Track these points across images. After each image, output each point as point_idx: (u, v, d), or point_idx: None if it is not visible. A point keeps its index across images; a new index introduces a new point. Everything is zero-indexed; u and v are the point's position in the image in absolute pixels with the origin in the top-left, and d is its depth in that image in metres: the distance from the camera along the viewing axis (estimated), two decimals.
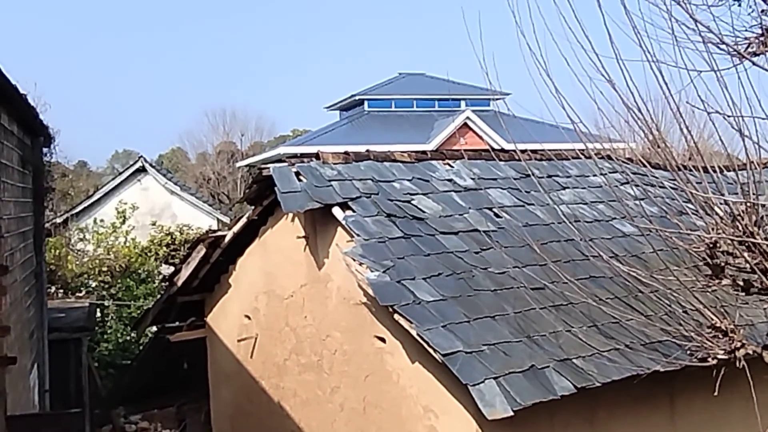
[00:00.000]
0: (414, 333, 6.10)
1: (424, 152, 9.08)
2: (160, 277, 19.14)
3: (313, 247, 7.81)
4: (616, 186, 7.67)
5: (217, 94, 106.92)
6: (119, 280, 19.39)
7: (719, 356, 5.89)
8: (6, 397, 7.36)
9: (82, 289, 18.87)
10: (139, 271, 19.99)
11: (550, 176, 9.10)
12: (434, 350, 5.93)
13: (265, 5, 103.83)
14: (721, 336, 5.91)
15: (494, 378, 5.77)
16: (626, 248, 7.89)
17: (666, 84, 5.41)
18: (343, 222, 7.23)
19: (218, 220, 27.10)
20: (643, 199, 6.95)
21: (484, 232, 7.64)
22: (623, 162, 6.73)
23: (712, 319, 5.96)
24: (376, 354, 7.06)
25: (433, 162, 8.74)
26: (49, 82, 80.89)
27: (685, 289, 6.28)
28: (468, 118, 32.37)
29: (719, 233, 5.68)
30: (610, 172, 8.28)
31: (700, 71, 5.28)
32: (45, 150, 12.06)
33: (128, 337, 18.10)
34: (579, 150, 6.66)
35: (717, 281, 5.99)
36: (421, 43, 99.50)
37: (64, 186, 25.87)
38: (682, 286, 6.31)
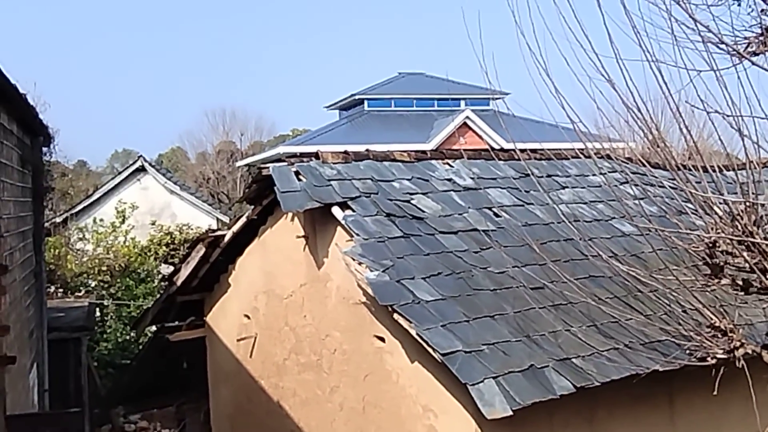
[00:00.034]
0: (413, 332, 6.10)
1: (423, 152, 9.08)
2: (160, 276, 19.15)
3: (313, 246, 7.81)
4: (616, 185, 7.66)
5: (217, 94, 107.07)
6: (119, 280, 19.40)
7: (718, 356, 5.89)
8: (5, 396, 7.37)
9: (81, 288, 18.87)
10: (139, 271, 20.00)
11: (549, 176, 9.10)
12: (433, 350, 5.93)
13: (265, 5, 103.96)
14: (720, 335, 5.91)
15: (493, 377, 5.77)
16: (625, 248, 7.90)
17: (665, 84, 5.41)
18: (343, 221, 7.23)
19: (218, 219, 27.10)
20: (642, 199, 6.95)
21: (484, 231, 7.64)
22: (623, 161, 6.73)
23: (712, 319, 5.96)
24: (375, 353, 7.07)
25: (433, 161, 8.74)
26: (49, 81, 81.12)
27: (685, 289, 6.28)
28: (467, 117, 32.38)
29: (718, 233, 5.69)
30: (609, 172, 8.28)
31: (700, 71, 5.29)
32: (44, 149, 12.07)
33: (128, 337, 18.11)
34: (578, 149, 6.66)
35: (716, 281, 5.99)
36: (421, 43, 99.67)
37: (63, 185, 25.90)
38: (681, 285, 6.31)
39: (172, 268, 10.11)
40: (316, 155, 8.06)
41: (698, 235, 5.90)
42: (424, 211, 7.70)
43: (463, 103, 34.83)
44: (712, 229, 5.75)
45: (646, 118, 5.72)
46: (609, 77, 5.52)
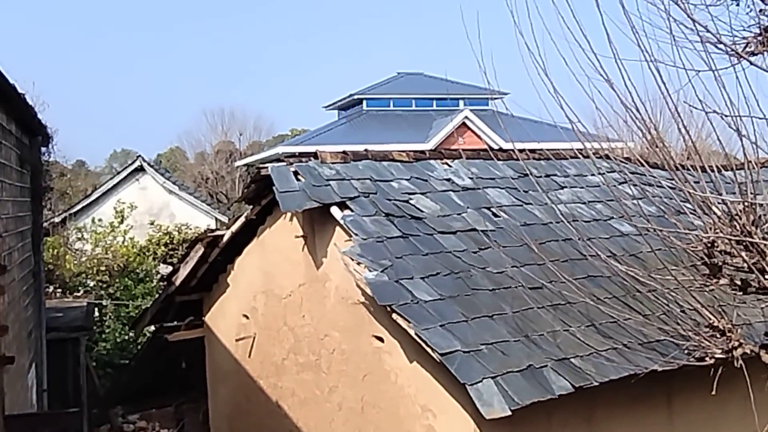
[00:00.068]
0: (412, 332, 6.11)
1: (422, 152, 9.08)
2: (159, 276, 19.13)
3: (312, 246, 7.81)
4: (614, 185, 7.68)
5: (217, 94, 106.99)
6: (117, 280, 19.39)
7: (717, 355, 5.90)
8: (4, 396, 7.36)
9: (80, 288, 18.87)
10: (138, 271, 19.99)
11: (548, 176, 9.10)
12: (432, 350, 5.94)
13: (265, 5, 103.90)
14: (718, 335, 5.92)
15: (492, 377, 5.78)
16: (624, 248, 7.91)
17: (664, 83, 5.42)
18: (342, 221, 7.23)
19: (216, 219, 27.08)
20: (641, 199, 6.95)
21: (483, 231, 7.65)
22: (621, 161, 6.74)
23: (710, 319, 5.96)
24: (374, 353, 7.07)
25: (432, 161, 8.74)
26: (48, 81, 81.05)
27: (683, 289, 6.29)
28: (466, 117, 32.38)
29: (717, 233, 5.69)
30: (608, 172, 8.29)
31: (698, 71, 5.29)
32: (43, 149, 12.06)
33: (126, 337, 18.10)
34: (577, 149, 6.67)
35: (715, 281, 6.00)
36: (420, 43, 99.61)
37: (62, 185, 25.88)
38: (679, 285, 6.31)
39: (170, 268, 10.10)
40: (315, 155, 8.06)
41: (697, 235, 5.90)
42: (422, 211, 7.70)
43: (461, 103, 34.83)
44: (710, 229, 5.75)
45: (645, 118, 5.73)
46: (607, 77, 5.52)
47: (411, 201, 7.83)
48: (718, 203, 5.73)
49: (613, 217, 8.54)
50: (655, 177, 6.47)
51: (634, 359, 6.36)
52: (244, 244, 9.00)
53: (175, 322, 10.25)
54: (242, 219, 8.71)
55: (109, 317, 18.59)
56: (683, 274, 6.43)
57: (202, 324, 10.03)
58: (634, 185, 6.84)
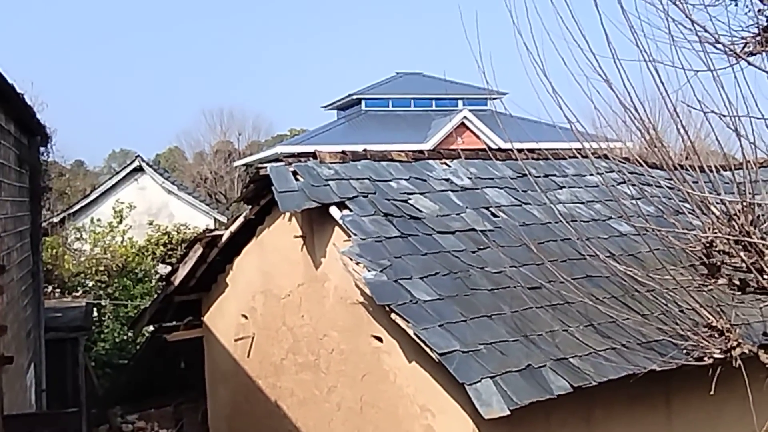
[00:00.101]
0: (411, 332, 6.11)
1: (421, 152, 9.09)
2: (157, 276, 19.13)
3: (310, 246, 7.81)
4: (613, 185, 7.69)
5: (216, 94, 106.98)
6: (116, 280, 19.39)
7: (715, 355, 5.90)
8: (3, 396, 7.36)
9: (78, 288, 18.86)
10: (136, 271, 19.99)
11: (547, 176, 9.11)
12: (431, 349, 5.94)
13: (265, 5, 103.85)
14: (717, 335, 5.93)
15: (491, 377, 5.78)
16: (623, 247, 7.91)
17: (663, 84, 5.43)
18: (341, 221, 7.23)
19: (215, 219, 27.08)
20: (639, 199, 6.96)
21: (481, 231, 7.65)
22: (620, 161, 6.75)
23: (709, 319, 5.97)
24: (373, 353, 7.07)
25: (431, 161, 8.75)
26: (47, 81, 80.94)
27: (682, 289, 6.30)
28: (465, 117, 32.40)
29: (715, 233, 5.70)
30: (606, 172, 8.30)
31: (697, 71, 5.30)
32: (42, 149, 12.05)
33: (125, 337, 18.10)
34: (576, 149, 6.67)
35: (713, 280, 6.00)
36: (419, 43, 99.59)
37: (61, 185, 25.89)
38: (678, 285, 6.32)
39: (169, 268, 10.10)
40: (314, 155, 8.06)
41: (695, 235, 5.91)
42: (421, 211, 7.70)
43: (460, 103, 34.86)
44: (709, 228, 5.76)
45: (644, 118, 5.74)
46: (606, 77, 5.53)
47: (410, 201, 7.83)
48: (717, 203, 5.74)
49: (611, 217, 8.54)
50: (653, 177, 6.47)
51: (633, 359, 6.36)
52: (242, 244, 9.00)
53: (174, 322, 10.25)
54: (241, 219, 8.71)
55: (107, 317, 18.60)
56: (682, 274, 6.44)
57: (200, 324, 10.03)
58: (633, 185, 6.84)
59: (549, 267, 6.80)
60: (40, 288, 12.07)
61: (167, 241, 22.03)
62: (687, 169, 6.08)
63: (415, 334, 6.06)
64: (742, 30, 5.48)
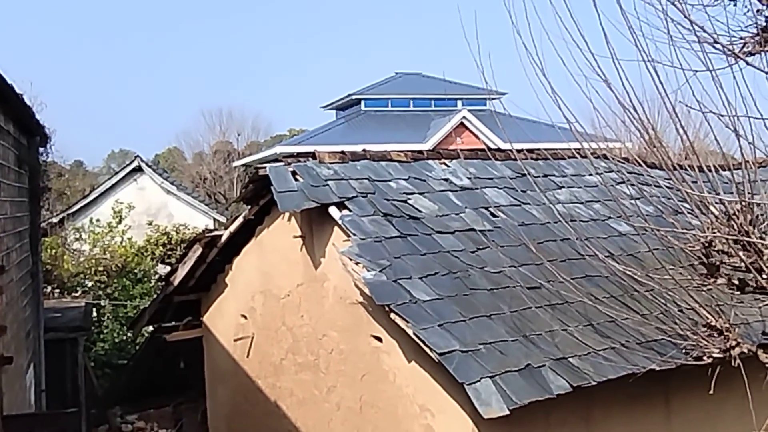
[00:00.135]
0: (410, 332, 6.11)
1: (420, 152, 9.10)
2: (157, 276, 19.13)
3: (310, 246, 7.81)
4: (612, 185, 7.69)
5: (216, 94, 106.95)
6: (115, 280, 19.37)
7: (714, 355, 5.91)
8: (2, 396, 7.36)
9: (78, 288, 18.85)
10: (136, 271, 19.97)
11: (546, 175, 9.11)
12: (430, 349, 5.94)
13: (265, 5, 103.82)
14: (716, 335, 5.93)
15: (490, 377, 5.78)
16: (622, 247, 7.91)
17: (662, 84, 5.43)
18: (340, 221, 7.24)
19: (215, 219, 27.08)
20: (638, 199, 6.97)
21: (481, 231, 7.65)
22: (619, 161, 6.75)
23: (708, 318, 5.98)
24: (372, 353, 7.07)
25: (430, 161, 8.75)
26: (46, 81, 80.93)
27: (681, 288, 6.30)
28: (464, 117, 32.40)
29: (714, 232, 5.70)
30: (606, 172, 8.31)
31: (696, 71, 5.30)
32: (41, 149, 12.05)
33: (124, 337, 18.08)
34: (575, 149, 6.67)
35: (712, 280, 6.01)
36: (418, 43, 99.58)
37: (60, 186, 25.85)
38: (677, 285, 6.33)
39: (168, 269, 10.10)
40: (313, 155, 8.06)
41: (694, 235, 5.91)
42: (420, 211, 7.71)
43: (459, 103, 34.86)
44: (708, 228, 5.76)
45: (643, 118, 5.74)
46: (605, 77, 5.53)
47: (409, 201, 7.84)
48: (716, 203, 5.74)
49: (611, 217, 8.55)
50: (652, 177, 6.48)
51: (632, 359, 6.37)
52: (242, 245, 9.01)
53: (174, 323, 10.25)
54: (240, 219, 8.72)
55: (107, 317, 18.58)
56: (681, 274, 6.45)
57: (200, 324, 10.03)
58: (632, 185, 6.85)
59: (548, 267, 6.80)
60: (40, 288, 12.07)
61: (166, 242, 22.01)
62: (686, 169, 6.09)
63: (414, 333, 6.07)
64: (741, 30, 5.49)
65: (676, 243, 6.21)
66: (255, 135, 56.73)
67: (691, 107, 5.44)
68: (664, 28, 5.27)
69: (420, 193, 8.04)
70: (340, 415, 7.54)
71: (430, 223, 7.56)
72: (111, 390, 14.25)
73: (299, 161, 7.91)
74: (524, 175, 8.20)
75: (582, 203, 8.81)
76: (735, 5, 5.49)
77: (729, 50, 5.24)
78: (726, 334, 5.88)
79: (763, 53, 5.39)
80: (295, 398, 8.25)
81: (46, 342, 12.04)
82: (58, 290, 18.13)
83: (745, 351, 5.81)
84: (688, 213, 6.23)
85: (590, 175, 9.02)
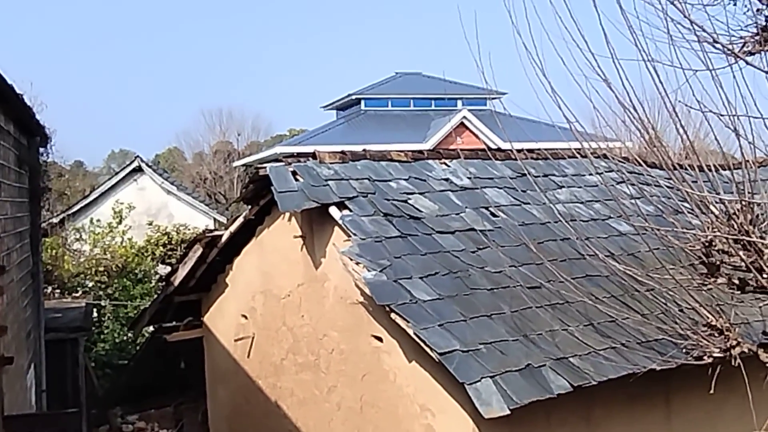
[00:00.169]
0: (411, 332, 6.12)
1: (420, 152, 9.10)
2: (157, 276, 19.14)
3: (310, 246, 7.81)
4: (612, 185, 7.69)
5: (216, 94, 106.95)
6: (116, 280, 19.39)
7: (715, 354, 5.91)
8: (3, 397, 7.36)
9: (78, 289, 18.86)
10: (136, 271, 19.99)
11: (546, 175, 9.12)
12: (431, 349, 5.94)
13: (265, 5, 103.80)
14: (716, 334, 5.93)
15: (491, 377, 5.79)
16: (622, 247, 7.92)
17: (662, 83, 5.44)
18: (340, 221, 7.24)
19: (215, 219, 27.08)
20: (639, 198, 6.97)
21: (481, 231, 7.66)
22: (619, 161, 6.76)
23: (708, 318, 5.98)
24: (373, 353, 7.07)
25: (430, 161, 8.75)
26: (46, 81, 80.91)
27: (681, 288, 6.30)
28: (464, 117, 32.39)
29: (715, 232, 5.70)
30: (606, 171, 8.31)
31: (696, 70, 5.31)
32: (41, 150, 12.06)
33: (125, 337, 18.11)
34: (575, 149, 6.68)
35: (712, 280, 6.01)
36: (418, 43, 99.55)
37: (60, 186, 25.89)
38: (677, 284, 6.33)
39: (169, 269, 10.10)
40: (313, 155, 8.06)
41: (694, 235, 5.92)
42: (421, 211, 7.71)
43: (460, 102, 34.86)
44: (708, 228, 5.77)
45: (643, 118, 5.74)
46: (605, 77, 5.54)
47: (409, 201, 7.84)
48: (716, 202, 5.75)
49: (611, 217, 8.55)
50: (653, 176, 6.48)
51: (633, 358, 6.37)
52: (242, 245, 9.01)
53: (174, 323, 10.25)
54: (241, 219, 8.72)
55: (107, 318, 18.61)
56: (681, 274, 6.45)
57: (200, 324, 10.04)
58: (632, 185, 6.85)
59: (548, 266, 6.81)
60: (40, 289, 12.08)
61: (167, 242, 22.03)
62: (686, 169, 6.10)
63: (414, 333, 6.07)
64: (741, 29, 5.49)
65: (676, 242, 6.21)
66: (255, 135, 56.76)
67: (691, 107, 5.45)
68: (664, 28, 5.28)
69: (420, 193, 8.04)
70: (341, 415, 7.54)
71: (431, 223, 7.56)
72: (111, 390, 14.26)
73: (299, 161, 7.91)
74: (524, 174, 8.20)
75: (582, 203, 8.81)
76: (735, 5, 5.50)
77: (729, 50, 5.24)
78: (726, 333, 5.88)
79: (763, 53, 5.39)
80: (295, 398, 8.25)
81: (46, 342, 12.06)
82: (58, 290, 18.15)
83: (746, 350, 5.81)
84: (689, 212, 6.23)
85: (590, 174, 9.02)
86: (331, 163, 7.98)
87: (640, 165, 6.32)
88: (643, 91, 5.67)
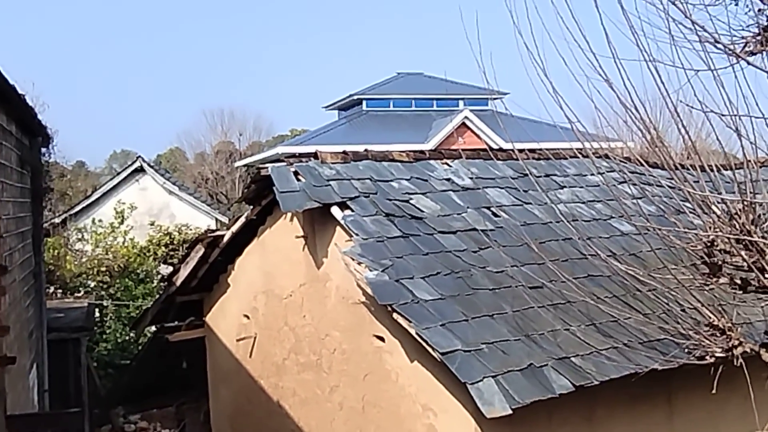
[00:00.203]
0: (413, 332, 6.12)
1: (422, 152, 9.10)
2: (159, 277, 19.14)
3: (312, 246, 7.82)
4: (614, 185, 7.69)
5: (217, 94, 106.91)
6: (118, 280, 19.39)
7: (717, 354, 5.91)
8: (5, 396, 7.37)
9: (80, 289, 18.87)
10: (138, 271, 20.00)
11: (547, 175, 9.12)
12: (433, 349, 5.95)
13: (265, 5, 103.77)
14: (718, 334, 5.93)
15: (493, 376, 5.79)
16: (624, 247, 7.92)
17: (663, 83, 5.43)
18: (342, 221, 7.25)
19: (217, 219, 27.08)
20: (640, 198, 6.97)
21: (483, 231, 7.66)
22: (621, 161, 6.75)
23: (710, 318, 5.98)
24: (375, 353, 7.08)
25: (432, 161, 8.76)
26: (48, 82, 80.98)
27: (683, 288, 6.30)
28: (466, 117, 32.38)
29: (717, 232, 5.70)
30: (607, 171, 8.31)
31: (697, 71, 5.31)
32: (43, 150, 12.07)
33: (127, 337, 18.11)
34: (577, 149, 6.68)
35: (714, 280, 6.01)
36: (420, 43, 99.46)
37: (62, 186, 25.93)
38: (679, 284, 6.33)
39: (171, 269, 10.12)
40: (315, 155, 8.07)
41: (696, 234, 5.92)
42: (423, 211, 7.72)
43: (461, 103, 34.84)
44: (710, 228, 5.76)
45: (644, 118, 5.74)
46: (607, 77, 5.54)
47: (411, 201, 7.85)
48: (718, 202, 5.75)
49: (612, 217, 8.55)
50: (654, 176, 6.48)
51: (635, 358, 6.37)
52: (244, 245, 9.02)
53: (176, 323, 10.26)
54: (242, 219, 8.73)
55: (109, 318, 18.61)
56: (683, 273, 6.44)
57: (202, 324, 10.04)
58: (634, 185, 6.85)
59: (550, 266, 6.81)
60: (42, 289, 12.09)
61: (169, 242, 22.05)
62: (688, 169, 6.10)
63: (416, 333, 6.07)
64: (742, 29, 5.49)
65: (678, 242, 6.21)
66: (257, 135, 56.77)
67: (692, 107, 5.44)
68: (666, 28, 5.28)
69: (422, 193, 8.05)
70: (343, 414, 7.55)
71: (432, 223, 7.56)
72: (114, 390, 14.27)
73: (301, 161, 7.92)
74: (526, 174, 8.20)
75: (584, 203, 8.81)
76: (736, 5, 5.50)
77: (730, 50, 5.24)
78: (728, 333, 5.88)
79: (764, 53, 5.39)
80: (297, 398, 8.26)
81: (48, 342, 12.06)
82: (60, 291, 18.16)
83: (748, 350, 5.81)
84: (690, 212, 6.23)
85: (592, 174, 9.02)
86: (332, 164, 7.99)
87: (642, 165, 6.31)
88: (645, 91, 5.68)
